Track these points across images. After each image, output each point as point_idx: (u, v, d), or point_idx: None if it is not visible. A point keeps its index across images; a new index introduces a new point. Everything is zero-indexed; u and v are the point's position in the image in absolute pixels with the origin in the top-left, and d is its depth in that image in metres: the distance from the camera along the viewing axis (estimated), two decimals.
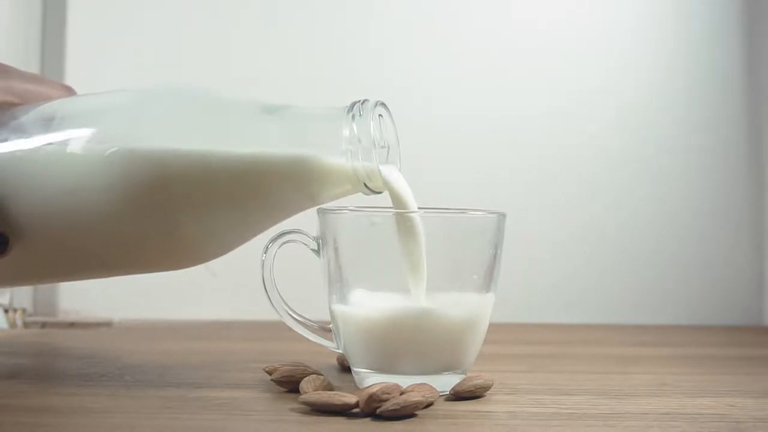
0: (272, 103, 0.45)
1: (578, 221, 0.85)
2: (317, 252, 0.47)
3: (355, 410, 0.40)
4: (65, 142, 0.44)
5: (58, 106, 0.46)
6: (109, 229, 0.44)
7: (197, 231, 0.44)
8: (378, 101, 0.45)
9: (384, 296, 0.44)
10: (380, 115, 0.45)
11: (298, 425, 0.38)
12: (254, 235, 0.47)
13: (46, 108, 0.46)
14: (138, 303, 0.80)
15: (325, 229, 0.45)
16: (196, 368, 0.52)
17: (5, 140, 0.45)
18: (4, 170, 0.44)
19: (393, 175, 0.44)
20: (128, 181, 0.42)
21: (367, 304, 0.44)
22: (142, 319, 0.79)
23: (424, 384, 0.42)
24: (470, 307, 0.44)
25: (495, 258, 0.45)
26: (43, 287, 0.81)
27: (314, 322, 0.48)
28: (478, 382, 0.44)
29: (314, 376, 0.44)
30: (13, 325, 0.78)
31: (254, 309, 0.60)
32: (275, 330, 0.54)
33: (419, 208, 0.44)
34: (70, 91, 0.50)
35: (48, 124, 0.45)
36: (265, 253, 0.47)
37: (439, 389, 0.43)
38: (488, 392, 0.45)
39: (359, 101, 0.44)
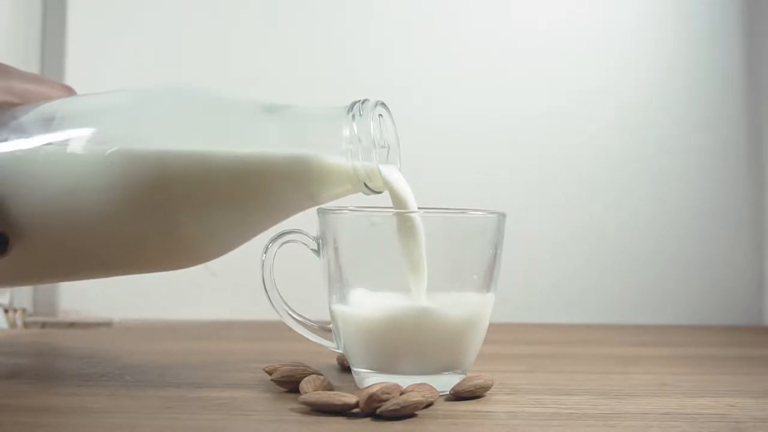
0: (272, 103, 0.45)
1: (578, 221, 0.85)
2: (317, 252, 0.47)
3: (355, 410, 0.40)
4: (65, 142, 0.44)
5: (58, 106, 0.46)
6: (109, 229, 0.44)
7: (197, 231, 0.44)
8: (378, 101, 0.45)
9: (384, 296, 0.44)
10: (380, 115, 0.45)
11: (298, 425, 0.38)
12: (254, 235, 0.47)
13: (46, 108, 0.46)
14: (138, 303, 0.80)
15: (325, 229, 0.45)
16: (196, 368, 0.52)
17: (5, 140, 0.45)
18: (4, 170, 0.44)
19: (393, 174, 0.44)
20: (128, 181, 0.42)
21: (367, 304, 0.44)
22: (142, 319, 0.79)
23: (424, 384, 0.42)
24: (470, 307, 0.44)
25: (495, 258, 0.45)
26: (43, 287, 0.81)
27: (314, 322, 0.48)
28: (478, 382, 0.44)
29: (314, 376, 0.44)
30: (13, 325, 0.78)
31: (254, 309, 0.60)
32: (275, 330, 0.54)
33: (419, 208, 0.44)
34: (70, 91, 0.50)
35: (48, 124, 0.45)
36: (265, 253, 0.47)
37: (439, 389, 0.43)
38: (488, 392, 0.45)
39: (359, 101, 0.44)
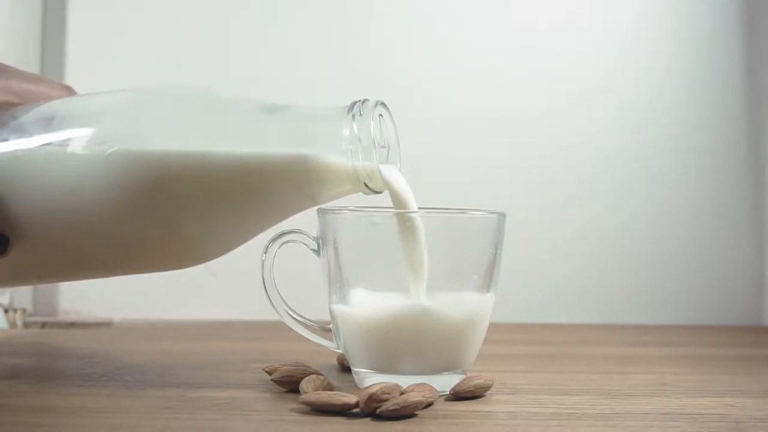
0: (272, 103, 0.45)
1: (578, 221, 0.85)
2: (317, 252, 0.47)
3: (355, 410, 0.40)
4: (65, 142, 0.44)
5: (58, 106, 0.46)
6: (110, 229, 0.44)
7: (197, 231, 0.44)
8: (378, 101, 0.45)
9: (384, 296, 0.44)
10: (380, 115, 0.45)
11: (298, 425, 0.38)
12: (254, 235, 0.47)
13: (46, 108, 0.46)
14: (138, 303, 0.80)
15: (325, 229, 0.45)
16: (196, 368, 0.52)
17: (5, 140, 0.45)
18: (4, 170, 0.44)
19: (393, 174, 0.44)
20: (128, 181, 0.42)
21: (367, 304, 0.44)
22: (142, 319, 0.79)
23: (424, 384, 0.42)
24: (470, 307, 0.44)
25: (495, 258, 0.45)
26: (43, 287, 0.81)
27: (314, 322, 0.48)
28: (478, 382, 0.44)
29: (314, 376, 0.44)
30: (13, 325, 0.78)
31: (254, 309, 0.60)
32: (275, 330, 0.54)
33: (419, 208, 0.44)
34: (70, 91, 0.50)
35: (48, 124, 0.45)
36: (265, 253, 0.47)
37: (439, 389, 0.43)
38: (488, 392, 0.45)
39: (359, 101, 0.44)
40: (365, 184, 0.44)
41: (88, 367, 0.52)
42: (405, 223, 0.43)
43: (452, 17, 0.85)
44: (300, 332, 0.48)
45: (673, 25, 0.86)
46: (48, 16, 0.84)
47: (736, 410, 0.42)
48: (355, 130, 0.43)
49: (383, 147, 0.45)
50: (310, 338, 0.48)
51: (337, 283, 0.45)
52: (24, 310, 0.79)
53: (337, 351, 0.47)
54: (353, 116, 0.44)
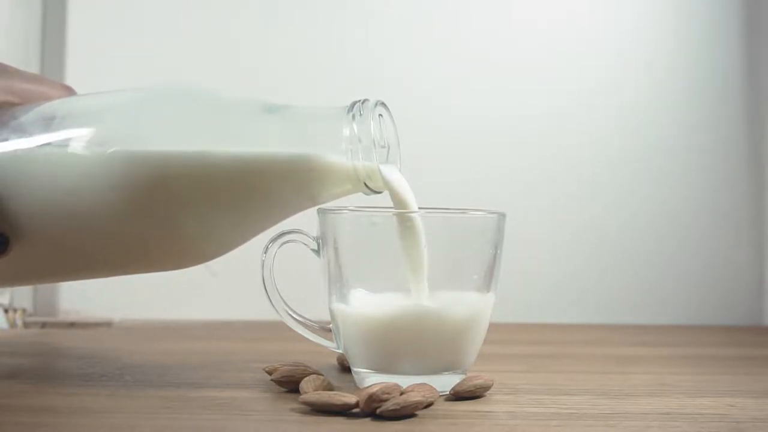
0: (272, 103, 0.45)
1: (578, 221, 0.85)
2: (317, 252, 0.47)
3: (355, 410, 0.40)
4: (65, 142, 0.44)
5: (58, 106, 0.46)
6: (110, 229, 0.44)
7: (198, 231, 0.44)
8: (378, 101, 0.45)
9: (384, 296, 0.44)
10: (380, 115, 0.45)
11: (298, 425, 0.38)
12: (254, 234, 0.47)
13: (46, 108, 0.46)
14: (138, 303, 0.80)
15: (325, 229, 0.45)
16: (196, 368, 0.52)
17: (5, 140, 0.45)
18: (5, 170, 0.44)
19: (393, 174, 0.44)
20: (129, 180, 0.42)
21: (367, 304, 0.44)
22: (142, 319, 0.79)
23: (424, 384, 0.42)
24: (470, 307, 0.44)
25: (495, 258, 0.45)
26: (43, 287, 0.81)
27: (314, 322, 0.48)
28: (478, 382, 0.44)
29: (314, 376, 0.44)
30: (13, 325, 0.78)
31: (254, 309, 0.60)
32: (275, 330, 0.54)
33: (419, 208, 0.44)
34: (70, 91, 0.50)
35: (48, 124, 0.45)
36: (265, 253, 0.47)
37: (439, 389, 0.43)
38: (488, 392, 0.45)
39: (359, 101, 0.44)
40: (365, 184, 0.44)
41: (88, 367, 0.52)
42: (405, 223, 0.43)
43: (452, 17, 0.85)
44: (300, 332, 0.48)
45: (673, 25, 0.86)
46: (48, 16, 0.84)
47: (736, 410, 0.42)
48: (355, 130, 0.43)
49: (383, 147, 0.45)
50: (310, 338, 0.48)
51: (337, 283, 0.45)
52: (24, 310, 0.79)
53: (337, 351, 0.47)
54: (353, 116, 0.44)
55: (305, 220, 0.47)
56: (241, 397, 0.44)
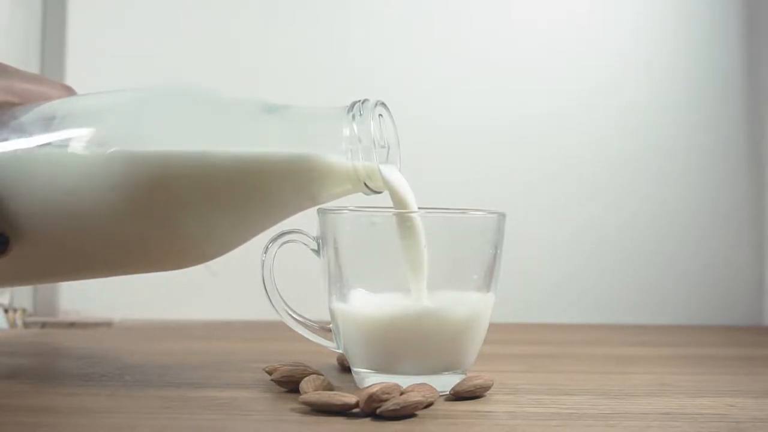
0: (272, 103, 0.45)
1: (578, 221, 0.85)
2: (317, 252, 0.47)
3: (355, 410, 0.40)
4: (65, 142, 0.44)
5: (58, 106, 0.46)
6: (110, 229, 0.44)
7: (198, 231, 0.44)
8: (378, 101, 0.45)
9: (384, 296, 0.44)
10: (380, 115, 0.45)
11: (298, 425, 0.38)
12: (254, 234, 0.47)
13: (46, 108, 0.46)
14: (138, 303, 0.80)
15: (325, 229, 0.45)
16: (196, 368, 0.52)
17: (5, 140, 0.45)
18: (5, 170, 0.44)
19: (393, 174, 0.44)
20: (129, 181, 0.42)
21: (367, 304, 0.44)
22: (142, 319, 0.79)
23: (424, 384, 0.42)
24: (470, 307, 0.44)
25: (495, 258, 0.45)
26: (43, 287, 0.81)
27: (314, 322, 0.48)
28: (478, 382, 0.44)
29: (314, 376, 0.44)
30: (13, 325, 0.78)
31: (254, 309, 0.60)
32: (275, 330, 0.54)
33: (419, 208, 0.44)
34: (70, 91, 0.50)
35: (48, 124, 0.45)
36: (265, 253, 0.47)
37: (439, 389, 0.43)
38: (488, 392, 0.45)
39: (359, 101, 0.44)
40: (365, 184, 0.44)
41: (88, 367, 0.52)
42: (405, 223, 0.43)
43: (452, 17, 0.85)
44: (300, 332, 0.48)
45: (673, 25, 0.86)
46: (48, 16, 0.84)
47: (736, 410, 0.42)
48: (355, 130, 0.43)
49: (383, 147, 0.45)
50: (310, 338, 0.48)
51: (337, 283, 0.45)
52: (24, 310, 0.79)
53: (337, 351, 0.47)
54: (353, 116, 0.44)
55: (305, 220, 0.47)
56: (241, 397, 0.44)
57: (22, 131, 0.45)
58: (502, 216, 0.46)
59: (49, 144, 0.44)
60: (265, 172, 0.44)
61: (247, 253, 0.49)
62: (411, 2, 0.86)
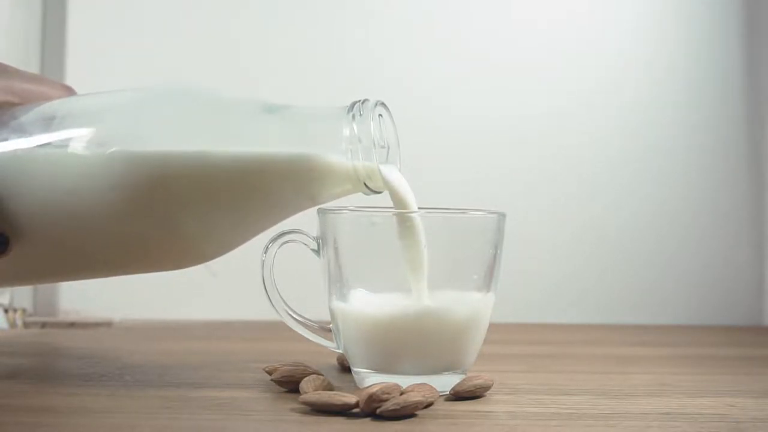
0: (272, 103, 0.45)
1: (578, 221, 0.85)
2: (317, 252, 0.47)
3: (355, 410, 0.40)
4: (65, 142, 0.44)
5: (58, 106, 0.46)
6: (110, 228, 0.44)
7: (198, 231, 0.44)
8: (378, 101, 0.45)
9: (384, 296, 0.44)
10: (380, 115, 0.45)
11: (298, 425, 0.38)
12: (254, 234, 0.47)
13: (46, 108, 0.46)
14: (138, 303, 0.80)
15: (325, 229, 0.45)
16: (196, 368, 0.52)
17: (5, 140, 0.45)
18: (5, 170, 0.44)
19: (393, 174, 0.44)
20: (129, 181, 0.42)
21: (367, 304, 0.44)
22: (142, 319, 0.79)
23: (424, 384, 0.42)
24: (470, 307, 0.44)
25: (495, 258, 0.45)
26: (43, 287, 0.81)
27: (314, 322, 0.48)
28: (478, 382, 0.44)
29: (314, 376, 0.44)
30: (13, 325, 0.78)
31: (254, 309, 0.60)
32: (275, 330, 0.54)
33: (419, 208, 0.44)
34: (70, 91, 0.50)
35: (48, 124, 0.45)
36: (265, 253, 0.47)
37: (439, 389, 0.43)
38: (488, 392, 0.45)
39: (359, 101, 0.44)
40: (365, 184, 0.44)
41: (88, 367, 0.52)
42: (405, 223, 0.43)
43: (452, 17, 0.85)
44: (300, 332, 0.48)
45: (673, 25, 0.86)
46: (48, 16, 0.84)
47: (736, 410, 0.42)
48: (355, 130, 0.43)
49: (383, 147, 0.45)
50: (310, 338, 0.48)
51: (337, 283, 0.45)
52: (24, 310, 0.79)
53: (337, 351, 0.47)
54: (353, 116, 0.44)
55: (305, 220, 0.47)
56: (241, 397, 0.44)
57: (22, 131, 0.45)
58: (502, 216, 0.46)
59: (49, 144, 0.44)
60: (265, 172, 0.44)
61: (247, 253, 0.49)
62: (411, 2, 0.86)
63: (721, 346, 0.70)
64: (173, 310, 0.80)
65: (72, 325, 0.77)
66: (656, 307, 0.84)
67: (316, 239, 0.46)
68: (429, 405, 0.41)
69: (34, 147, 0.44)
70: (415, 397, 0.40)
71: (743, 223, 0.85)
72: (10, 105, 0.47)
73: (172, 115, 0.45)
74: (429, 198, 0.46)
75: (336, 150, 0.44)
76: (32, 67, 0.82)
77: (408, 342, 0.44)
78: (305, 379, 0.43)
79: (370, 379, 0.44)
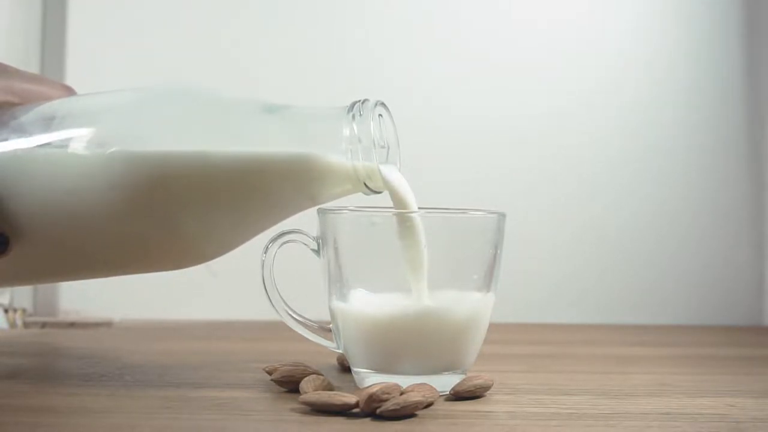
0: (272, 103, 0.45)
1: (578, 221, 0.85)
2: (317, 252, 0.47)
3: (355, 410, 0.40)
4: (65, 142, 0.44)
5: (58, 106, 0.46)
6: (110, 228, 0.44)
7: (198, 231, 0.44)
8: (378, 101, 0.45)
9: (384, 296, 0.44)
10: (380, 115, 0.45)
11: (298, 425, 0.38)
12: (254, 234, 0.47)
13: (46, 108, 0.46)
14: (138, 303, 0.80)
15: (325, 229, 0.45)
16: (196, 368, 0.52)
17: (5, 140, 0.45)
18: (4, 170, 0.44)
19: (393, 174, 0.44)
20: (128, 180, 0.42)
21: (367, 304, 0.44)
22: (142, 319, 0.79)
23: (424, 384, 0.42)
24: (470, 307, 0.44)
25: (495, 258, 0.45)
26: (43, 287, 0.81)
27: (314, 322, 0.48)
28: (478, 382, 0.44)
29: (314, 376, 0.44)
30: (13, 325, 0.78)
31: (254, 309, 0.60)
32: (275, 330, 0.54)
33: (419, 208, 0.44)
34: (70, 91, 0.50)
35: (48, 124, 0.45)
36: (265, 253, 0.47)
37: (439, 389, 0.43)
38: (488, 392, 0.45)
39: (359, 101, 0.44)
40: (365, 185, 0.44)
41: (88, 367, 0.52)
42: (405, 223, 0.43)
43: (452, 17, 0.85)
44: (300, 332, 0.48)
45: (673, 25, 0.86)
46: (48, 16, 0.84)
47: (736, 410, 0.42)
48: (355, 130, 0.43)
49: (383, 147, 0.45)
50: (310, 338, 0.48)
51: (337, 283, 0.45)
52: (24, 310, 0.79)
53: (337, 351, 0.47)
54: (353, 116, 0.44)
55: (305, 220, 0.47)
56: (241, 397, 0.44)
57: (22, 131, 0.45)
58: (502, 216, 0.46)
59: (49, 144, 0.44)
60: (265, 172, 0.44)
61: (247, 253, 0.49)
62: (411, 2, 0.86)
63: (721, 346, 0.70)
64: (173, 310, 0.80)
65: (72, 325, 0.77)
66: (656, 307, 0.84)
67: (316, 239, 0.46)
68: (429, 405, 0.41)
69: (34, 147, 0.44)
70: (415, 397, 0.40)
71: (743, 223, 0.85)
72: (10, 105, 0.47)
73: (172, 115, 0.45)
74: (429, 198, 0.46)
75: (336, 150, 0.44)
76: (32, 67, 0.82)
77: (408, 342, 0.44)
78: (305, 379, 0.43)
79: (370, 379, 0.44)
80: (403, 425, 0.38)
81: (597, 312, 0.84)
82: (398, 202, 0.44)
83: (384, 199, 0.45)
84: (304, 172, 0.44)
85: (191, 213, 0.44)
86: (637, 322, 0.83)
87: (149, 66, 0.83)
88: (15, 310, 0.79)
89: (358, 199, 0.46)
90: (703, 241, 0.85)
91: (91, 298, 0.81)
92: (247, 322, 0.77)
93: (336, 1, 0.85)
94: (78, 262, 0.47)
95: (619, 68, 0.86)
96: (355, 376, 0.46)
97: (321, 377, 0.44)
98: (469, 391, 0.44)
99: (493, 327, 0.47)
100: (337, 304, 0.45)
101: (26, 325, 0.78)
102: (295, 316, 0.48)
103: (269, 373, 0.46)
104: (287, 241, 0.47)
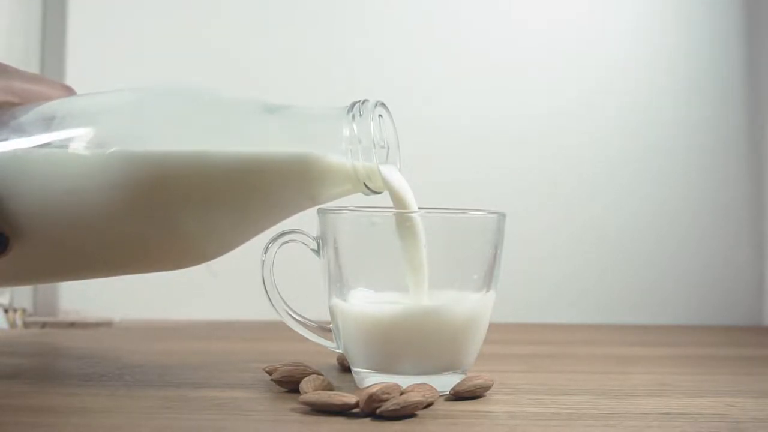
0: (272, 103, 0.45)
1: (578, 221, 0.85)
2: (317, 252, 0.47)
3: (355, 410, 0.40)
4: (65, 142, 0.44)
5: (58, 106, 0.46)
6: (110, 228, 0.44)
7: (197, 231, 0.44)
8: (378, 101, 0.45)
9: (384, 296, 0.44)
10: (380, 115, 0.45)
11: (298, 425, 0.38)
12: (254, 234, 0.47)
13: (46, 108, 0.46)
14: (138, 303, 0.80)
15: (325, 229, 0.45)
16: (196, 368, 0.52)
17: (5, 140, 0.45)
18: (4, 170, 0.44)
19: (393, 175, 0.44)
20: (128, 180, 0.42)
21: (367, 304, 0.44)
22: (142, 319, 0.79)
23: (424, 384, 0.42)
24: (470, 307, 0.44)
25: (495, 258, 0.45)
26: (43, 287, 0.81)
27: (314, 322, 0.48)
28: (478, 382, 0.44)
29: (314, 376, 0.44)
30: (13, 325, 0.78)
31: (254, 309, 0.60)
32: (275, 330, 0.54)
33: (419, 208, 0.44)
34: (70, 91, 0.50)
35: (48, 124, 0.45)
36: (265, 253, 0.47)
37: (439, 389, 0.43)
38: (488, 392, 0.45)
39: (359, 101, 0.44)
40: (365, 185, 0.44)
41: (88, 367, 0.52)
42: (405, 223, 0.43)
43: (452, 17, 0.85)
44: (300, 332, 0.48)
45: (673, 25, 0.86)
46: (48, 16, 0.84)
47: (736, 410, 0.42)
48: (355, 131, 0.43)
49: (383, 147, 0.45)
50: (310, 338, 0.48)
51: (337, 283, 0.45)
52: (24, 310, 0.79)
53: (337, 351, 0.47)
54: (353, 116, 0.44)
55: (305, 220, 0.47)
56: (241, 397, 0.44)
57: (22, 131, 0.45)
58: (502, 216, 0.46)
59: (48, 144, 0.44)
60: (265, 172, 0.44)
61: (247, 253, 0.49)
62: (411, 2, 0.86)
63: (721, 346, 0.70)
64: (173, 310, 0.80)
65: (72, 325, 0.77)
66: (656, 307, 0.84)
67: (316, 239, 0.46)
68: (429, 405, 0.41)
69: (34, 147, 0.44)
70: (415, 397, 0.40)
71: (743, 223, 0.85)
72: (10, 105, 0.47)
73: (172, 115, 0.45)
74: (429, 198, 0.46)
75: (336, 150, 0.44)
76: (32, 67, 0.82)
77: (408, 342, 0.44)
78: (305, 379, 0.43)
79: (370, 379, 0.44)
80: (403, 425, 0.38)
81: (597, 312, 0.84)
82: (398, 202, 0.44)
83: (384, 199, 0.45)
84: (304, 172, 0.44)
85: (191, 213, 0.44)
86: (637, 322, 0.83)
87: (149, 66, 0.83)
88: (15, 310, 0.79)
89: (358, 199, 0.46)
90: (703, 241, 0.85)
91: (91, 298, 0.81)
92: (247, 322, 0.77)
93: (336, 2, 0.85)
94: (78, 262, 0.47)
95: (619, 68, 0.86)
96: (355, 376, 0.46)
97: (321, 377, 0.44)
98: (469, 391, 0.44)
99: (493, 327, 0.47)
100: (337, 304, 0.45)
101: (26, 325, 0.78)
102: (295, 316, 0.48)
103: (269, 373, 0.46)
104: (287, 241, 0.47)
